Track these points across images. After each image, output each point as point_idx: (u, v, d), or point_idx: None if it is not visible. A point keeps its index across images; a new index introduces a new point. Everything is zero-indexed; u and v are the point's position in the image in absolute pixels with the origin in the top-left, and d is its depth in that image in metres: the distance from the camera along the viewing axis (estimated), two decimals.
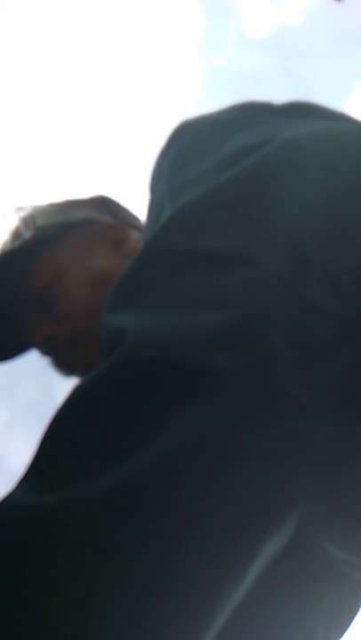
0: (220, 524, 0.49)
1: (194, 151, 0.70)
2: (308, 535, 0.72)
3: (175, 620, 0.47)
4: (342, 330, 0.56)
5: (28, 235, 0.99)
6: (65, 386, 0.97)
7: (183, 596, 0.47)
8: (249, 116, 0.72)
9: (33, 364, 1.05)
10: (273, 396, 0.52)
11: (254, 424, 0.51)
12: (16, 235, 1.00)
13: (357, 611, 0.84)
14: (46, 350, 0.98)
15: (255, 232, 0.60)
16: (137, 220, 1.09)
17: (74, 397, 0.54)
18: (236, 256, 0.58)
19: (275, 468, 0.51)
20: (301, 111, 0.73)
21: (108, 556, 0.46)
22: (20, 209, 1.06)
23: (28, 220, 1.01)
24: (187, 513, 0.48)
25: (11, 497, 0.50)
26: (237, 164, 0.65)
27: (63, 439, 0.52)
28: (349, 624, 0.84)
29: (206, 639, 0.48)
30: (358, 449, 0.57)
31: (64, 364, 0.99)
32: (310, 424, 0.53)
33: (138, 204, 1.09)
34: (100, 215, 1.04)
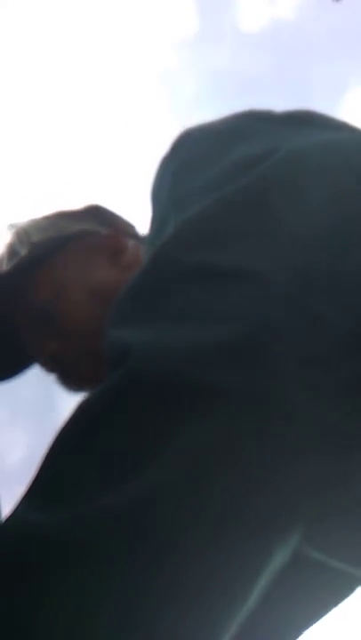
0: (227, 541, 0.48)
1: (197, 161, 0.70)
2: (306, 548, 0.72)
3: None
4: (348, 342, 0.56)
5: (23, 252, 0.97)
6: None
7: (192, 616, 0.46)
8: (251, 125, 0.72)
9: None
10: (278, 411, 0.52)
11: (260, 440, 0.51)
12: (12, 252, 0.99)
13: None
14: (51, 368, 0.96)
15: (260, 246, 0.60)
16: (132, 227, 1.08)
17: (78, 414, 0.54)
18: (241, 270, 0.58)
19: (282, 484, 0.51)
20: (303, 120, 0.73)
21: (110, 576, 0.45)
22: (12, 226, 1.04)
23: (23, 237, 1.00)
24: (193, 531, 0.48)
25: (13, 515, 0.50)
26: (241, 176, 0.65)
27: (66, 457, 0.52)
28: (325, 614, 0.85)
29: None
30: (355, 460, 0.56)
31: (70, 381, 0.97)
32: (316, 438, 0.53)
33: (136, 209, 1.08)
34: (95, 226, 1.03)
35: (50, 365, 0.96)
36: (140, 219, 1.04)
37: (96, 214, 1.06)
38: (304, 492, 0.52)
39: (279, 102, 0.77)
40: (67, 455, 0.52)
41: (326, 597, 0.83)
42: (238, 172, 0.65)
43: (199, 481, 0.48)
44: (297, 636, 0.83)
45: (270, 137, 0.69)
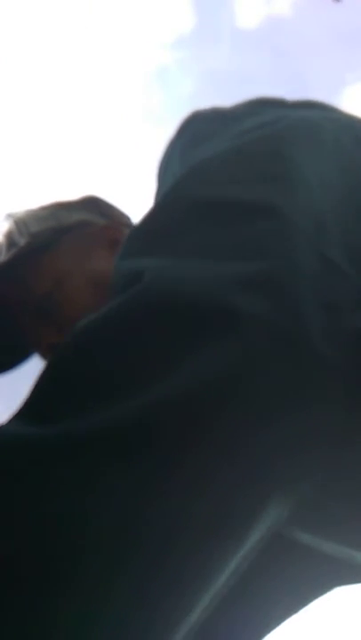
0: (222, 483, 0.45)
1: (208, 132, 0.69)
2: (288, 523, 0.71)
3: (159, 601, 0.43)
4: (359, 298, 0.54)
5: (22, 242, 0.97)
6: None
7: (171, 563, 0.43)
8: (262, 107, 0.72)
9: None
10: (296, 342, 0.49)
11: (274, 369, 0.48)
12: (10, 243, 0.98)
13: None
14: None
15: (279, 187, 0.58)
16: (128, 218, 1.08)
17: (81, 330, 0.51)
18: (264, 206, 0.56)
19: (293, 421, 0.49)
20: (314, 107, 0.73)
21: (100, 492, 0.42)
22: (10, 215, 1.04)
23: (22, 227, 1.00)
24: (187, 459, 0.44)
25: (2, 428, 0.46)
26: (255, 131, 0.64)
27: (65, 374, 0.49)
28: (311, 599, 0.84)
29: (184, 626, 0.44)
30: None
31: None
32: (332, 384, 0.50)
33: (131, 203, 1.08)
34: (92, 217, 1.03)
35: (49, 356, 0.96)
36: (136, 212, 1.04)
37: (93, 205, 1.05)
38: (317, 440, 0.50)
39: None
40: (65, 372, 0.49)
41: (312, 585, 0.82)
42: (252, 131, 0.65)
43: (202, 407, 0.46)
44: (279, 623, 0.83)
45: (281, 111, 0.69)
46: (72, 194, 1.11)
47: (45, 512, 0.41)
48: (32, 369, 1.04)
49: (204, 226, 0.56)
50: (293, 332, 0.50)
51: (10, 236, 1.00)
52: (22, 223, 1.00)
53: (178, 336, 0.48)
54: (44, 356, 0.97)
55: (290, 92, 0.75)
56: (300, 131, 0.65)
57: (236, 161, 0.61)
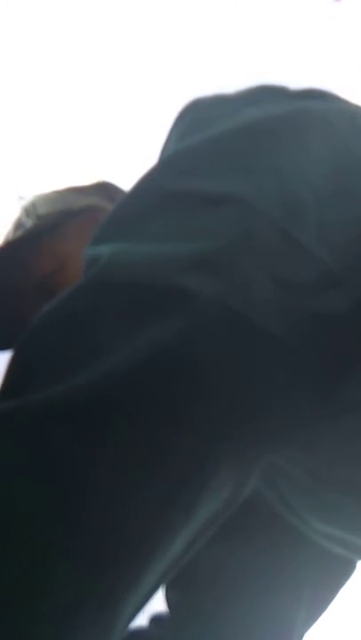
0: (171, 447, 0.46)
1: (205, 121, 0.69)
2: (290, 507, 0.71)
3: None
4: (327, 278, 0.55)
5: (29, 223, 0.98)
6: None
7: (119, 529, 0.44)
8: (263, 95, 0.72)
9: None
10: (249, 324, 0.51)
11: (221, 343, 0.49)
12: (18, 224, 0.99)
13: (341, 587, 0.85)
14: None
15: (245, 178, 0.59)
16: None
17: (42, 314, 0.53)
18: (227, 196, 0.58)
19: (242, 393, 0.50)
20: (317, 96, 0.72)
21: (51, 464, 0.43)
22: (21, 198, 1.05)
23: (30, 209, 1.01)
24: (140, 426, 0.45)
25: None
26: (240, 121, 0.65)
27: (24, 356, 0.51)
28: (332, 600, 0.85)
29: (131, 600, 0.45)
30: (342, 409, 0.56)
31: None
32: (283, 362, 0.51)
33: None
34: (102, 202, 1.03)
35: None
36: None
37: (104, 190, 1.06)
38: (269, 414, 0.51)
39: None
40: (28, 354, 0.51)
41: (323, 580, 0.84)
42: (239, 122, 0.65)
43: (148, 379, 0.47)
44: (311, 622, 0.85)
45: (280, 103, 0.69)
46: (84, 181, 1.11)
47: None
48: None
49: (166, 214, 0.57)
50: (240, 308, 0.51)
51: (18, 218, 1.01)
52: (31, 205, 1.01)
53: (127, 315, 0.50)
54: None
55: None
56: (283, 119, 0.65)
57: (207, 152, 0.63)
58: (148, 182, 0.62)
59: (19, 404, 0.45)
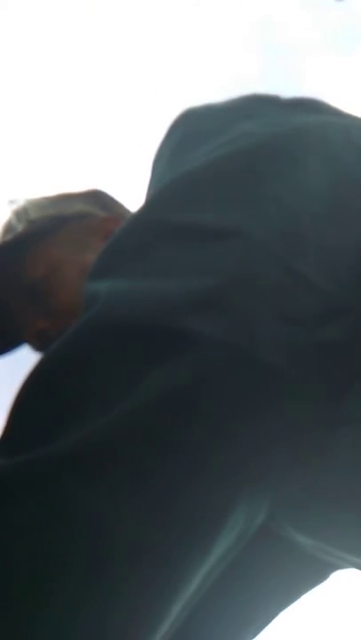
0: (182, 496, 0.47)
1: (197, 134, 0.69)
2: (277, 521, 0.71)
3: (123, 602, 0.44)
4: (330, 307, 0.55)
5: (20, 228, 0.97)
6: None
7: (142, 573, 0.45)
8: (256, 106, 0.72)
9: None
10: (252, 363, 0.51)
11: (227, 383, 0.50)
12: (8, 228, 0.99)
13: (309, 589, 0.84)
14: (38, 346, 0.96)
15: (244, 209, 0.59)
16: (131, 213, 1.08)
17: (41, 361, 0.53)
18: (224, 229, 0.58)
19: (248, 435, 0.50)
20: (309, 106, 0.72)
21: (64, 514, 0.44)
22: (12, 202, 1.04)
23: (21, 214, 1.00)
24: (144, 482, 0.46)
25: None
26: (235, 144, 0.65)
27: (31, 403, 0.51)
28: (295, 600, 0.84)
29: (163, 626, 0.46)
30: (340, 431, 0.56)
31: None
32: (293, 397, 0.52)
33: (134, 198, 1.08)
34: (93, 209, 1.03)
35: (36, 343, 0.96)
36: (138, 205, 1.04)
37: (96, 198, 1.05)
38: (276, 450, 0.51)
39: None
40: (31, 402, 0.51)
41: (298, 582, 0.82)
42: (234, 143, 0.65)
43: (157, 429, 0.47)
44: (268, 621, 0.83)
45: (276, 117, 0.69)
46: (79, 187, 1.11)
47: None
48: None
49: (165, 248, 0.57)
50: (245, 347, 0.51)
51: (9, 222, 1.00)
52: (22, 210, 1.00)
53: (129, 360, 0.50)
54: (31, 342, 0.97)
55: (284, 91, 0.74)
56: (281, 141, 0.65)
57: (206, 183, 0.62)
58: (148, 214, 0.62)
59: (34, 457, 0.46)
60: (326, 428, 0.54)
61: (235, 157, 0.63)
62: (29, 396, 0.52)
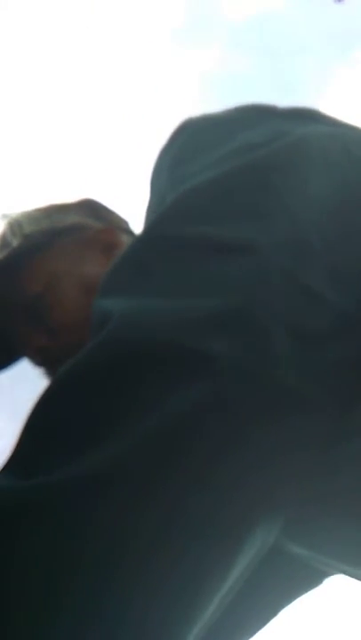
0: (204, 511, 0.47)
1: (197, 146, 0.69)
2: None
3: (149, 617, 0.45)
4: (342, 321, 0.55)
5: (15, 243, 0.96)
6: None
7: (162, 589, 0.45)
8: (255, 116, 0.71)
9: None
10: (268, 382, 0.51)
11: (248, 409, 0.50)
12: (3, 243, 0.98)
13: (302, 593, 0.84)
14: (40, 361, 0.95)
15: (257, 223, 0.59)
16: (125, 223, 1.07)
17: (55, 381, 0.53)
18: (237, 245, 0.57)
19: (266, 455, 0.50)
20: (306, 116, 0.72)
21: (80, 537, 0.44)
22: (5, 216, 1.03)
23: (15, 228, 0.99)
24: (162, 502, 0.46)
25: None
26: (242, 156, 0.64)
27: (44, 424, 0.51)
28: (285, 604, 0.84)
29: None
30: (352, 442, 0.56)
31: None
32: (305, 413, 0.52)
33: (129, 207, 1.07)
34: (88, 220, 1.02)
35: (38, 359, 0.95)
36: (134, 216, 1.03)
37: (89, 208, 1.05)
38: (287, 472, 0.51)
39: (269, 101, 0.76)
40: (44, 423, 0.51)
41: (290, 587, 0.82)
42: (240, 155, 0.65)
43: (176, 449, 0.47)
44: (262, 626, 0.83)
45: (275, 127, 0.69)
46: (71, 196, 1.10)
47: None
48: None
49: (176, 264, 0.57)
50: (262, 368, 0.51)
51: (3, 237, 0.99)
52: (17, 224, 0.99)
53: (145, 383, 0.50)
54: (32, 358, 0.96)
55: (282, 92, 0.73)
56: (289, 154, 0.64)
57: (217, 196, 0.62)
58: (160, 228, 0.61)
59: (44, 481, 0.46)
60: (335, 441, 0.54)
61: (241, 170, 0.63)
62: (44, 415, 0.52)
